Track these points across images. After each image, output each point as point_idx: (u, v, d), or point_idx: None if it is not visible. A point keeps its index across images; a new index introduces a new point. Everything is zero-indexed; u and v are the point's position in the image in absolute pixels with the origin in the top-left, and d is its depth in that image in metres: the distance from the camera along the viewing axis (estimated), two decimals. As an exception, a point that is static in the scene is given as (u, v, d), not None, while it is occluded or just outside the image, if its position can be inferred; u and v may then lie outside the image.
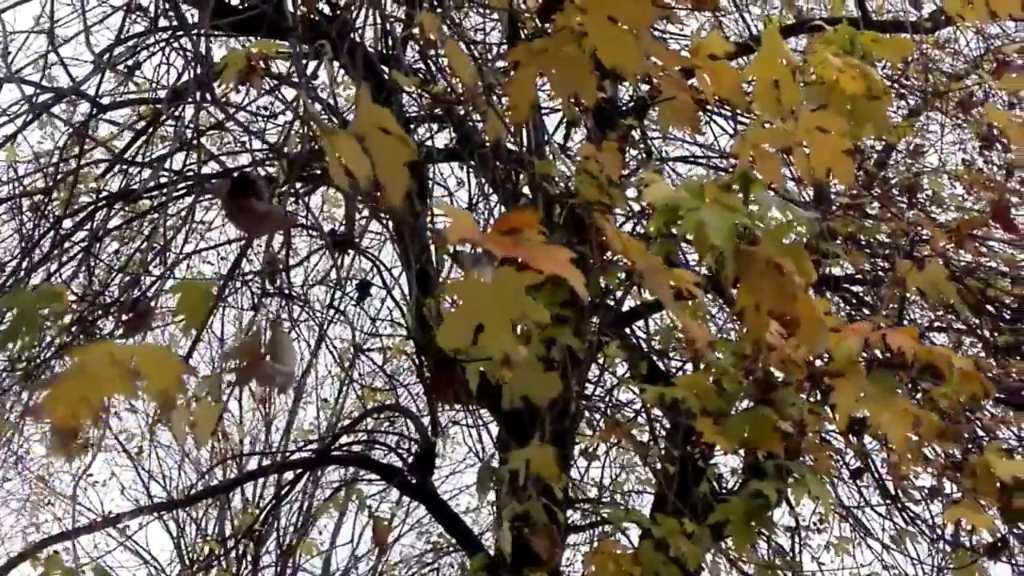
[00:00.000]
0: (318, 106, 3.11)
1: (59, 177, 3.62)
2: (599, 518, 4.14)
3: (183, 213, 4.05)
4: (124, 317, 1.75)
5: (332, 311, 3.43)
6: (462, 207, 3.56)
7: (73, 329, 3.88)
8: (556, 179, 2.71)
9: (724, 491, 3.55)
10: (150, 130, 3.72)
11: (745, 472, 3.62)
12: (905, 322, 3.54)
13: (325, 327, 3.51)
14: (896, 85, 4.11)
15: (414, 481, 4.39)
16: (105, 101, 3.54)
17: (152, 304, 1.73)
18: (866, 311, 3.83)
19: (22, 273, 3.63)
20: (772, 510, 2.04)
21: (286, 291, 3.49)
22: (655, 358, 3.59)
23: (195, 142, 2.55)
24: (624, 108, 3.81)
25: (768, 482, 1.96)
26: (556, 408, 3.05)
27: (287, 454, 5.19)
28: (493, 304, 1.14)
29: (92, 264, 3.86)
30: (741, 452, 3.95)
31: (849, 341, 1.70)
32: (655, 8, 1.32)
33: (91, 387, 1.05)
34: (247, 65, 1.73)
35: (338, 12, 2.86)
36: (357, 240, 3.09)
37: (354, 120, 1.21)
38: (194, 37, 2.40)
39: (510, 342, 1.15)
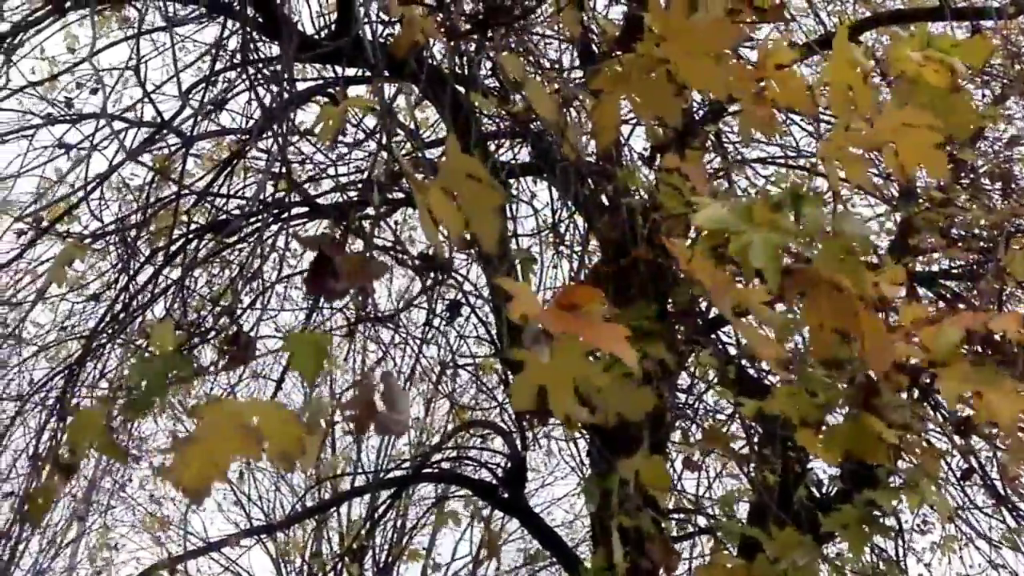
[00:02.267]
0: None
1: (150, 211, 3.73)
2: (695, 528, 4.07)
3: (270, 241, 4.14)
4: (226, 350, 1.78)
5: (426, 331, 3.46)
6: (545, 225, 3.56)
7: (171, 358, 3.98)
8: (638, 190, 2.69)
9: (823, 496, 3.47)
10: (235, 162, 3.82)
11: (844, 479, 3.53)
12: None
13: (419, 349, 3.53)
14: (981, 74, 3.97)
15: (506, 496, 4.40)
16: (191, 134, 3.63)
17: (252, 336, 1.76)
18: (963, 307, 3.70)
19: (119, 306, 3.75)
20: (886, 517, 1.98)
21: (378, 315, 3.54)
22: (743, 363, 3.53)
23: (282, 172, 2.60)
24: (701, 114, 3.76)
25: (882, 491, 1.91)
26: (650, 418, 3.01)
27: (381, 473, 5.24)
28: (555, 370, 1.19)
29: (185, 295, 3.97)
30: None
31: (949, 329, 1.63)
32: (736, 30, 1.32)
33: (217, 451, 1.09)
34: (342, 120, 1.76)
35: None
36: (445, 263, 3.11)
37: (442, 170, 1.24)
38: (278, 70, 2.45)
39: (572, 405, 1.21)
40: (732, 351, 3.55)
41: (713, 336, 3.61)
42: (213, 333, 4.23)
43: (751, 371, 3.58)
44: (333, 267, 1.31)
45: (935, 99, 1.62)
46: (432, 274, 3.18)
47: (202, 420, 1.11)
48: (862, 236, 1.39)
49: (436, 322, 3.93)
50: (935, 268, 3.72)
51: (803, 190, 1.35)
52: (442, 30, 2.50)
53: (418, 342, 3.35)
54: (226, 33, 3.41)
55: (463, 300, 3.45)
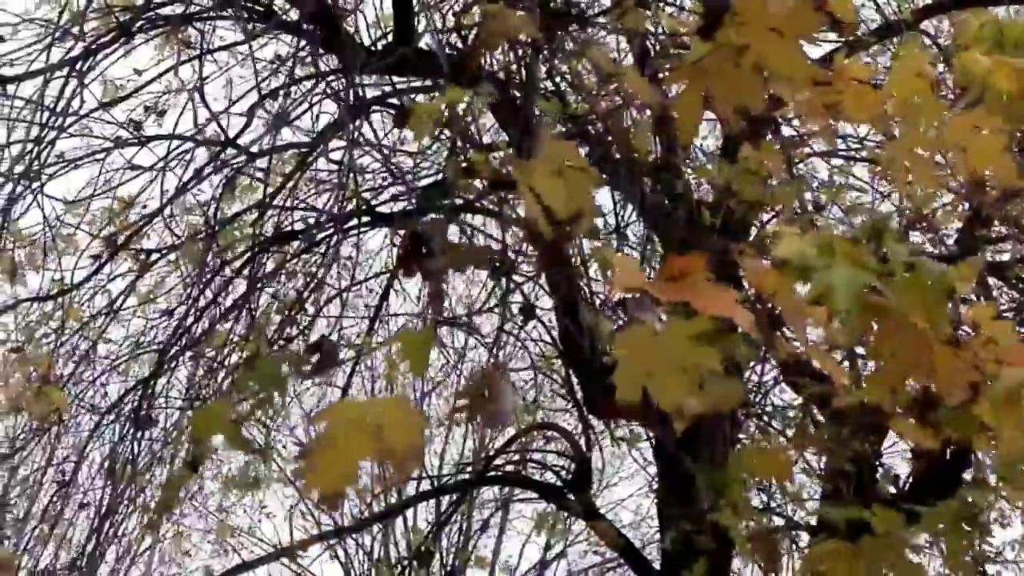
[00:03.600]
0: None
1: (216, 225, 3.81)
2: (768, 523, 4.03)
3: (331, 251, 4.19)
4: (312, 359, 1.82)
5: (499, 335, 3.48)
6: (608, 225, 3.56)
7: (239, 369, 4.07)
8: (702, 184, 2.68)
9: (900, 493, 3.42)
10: (298, 174, 3.88)
11: (915, 473, 3.48)
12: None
13: (495, 351, 3.55)
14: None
15: (572, 497, 4.40)
16: (255, 150, 3.70)
17: (336, 344, 1.80)
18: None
19: (191, 319, 3.83)
20: (984, 513, 1.95)
21: (453, 319, 3.56)
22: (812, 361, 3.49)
23: (350, 180, 2.64)
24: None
25: (977, 489, 1.88)
26: (722, 416, 3.01)
27: (446, 477, 5.28)
28: (662, 355, 1.14)
29: (253, 307, 4.04)
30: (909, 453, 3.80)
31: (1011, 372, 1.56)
32: (817, 18, 1.30)
33: (344, 457, 1.11)
34: (440, 115, 1.78)
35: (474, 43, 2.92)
36: (517, 266, 3.13)
37: (540, 156, 1.24)
38: (344, 81, 2.49)
39: (682, 393, 1.14)
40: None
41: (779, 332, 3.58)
42: (281, 344, 4.31)
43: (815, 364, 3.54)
44: (428, 248, 1.32)
45: (1005, 102, 1.61)
46: (503, 278, 3.20)
47: (327, 424, 1.13)
48: (941, 273, 1.36)
49: (508, 326, 3.96)
50: (1006, 258, 3.65)
51: (884, 223, 1.33)
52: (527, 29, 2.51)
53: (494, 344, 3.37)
54: (287, 49, 3.48)
55: (536, 304, 3.47)
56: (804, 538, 3.97)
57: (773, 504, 3.87)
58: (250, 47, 2.95)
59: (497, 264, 2.64)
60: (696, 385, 1.15)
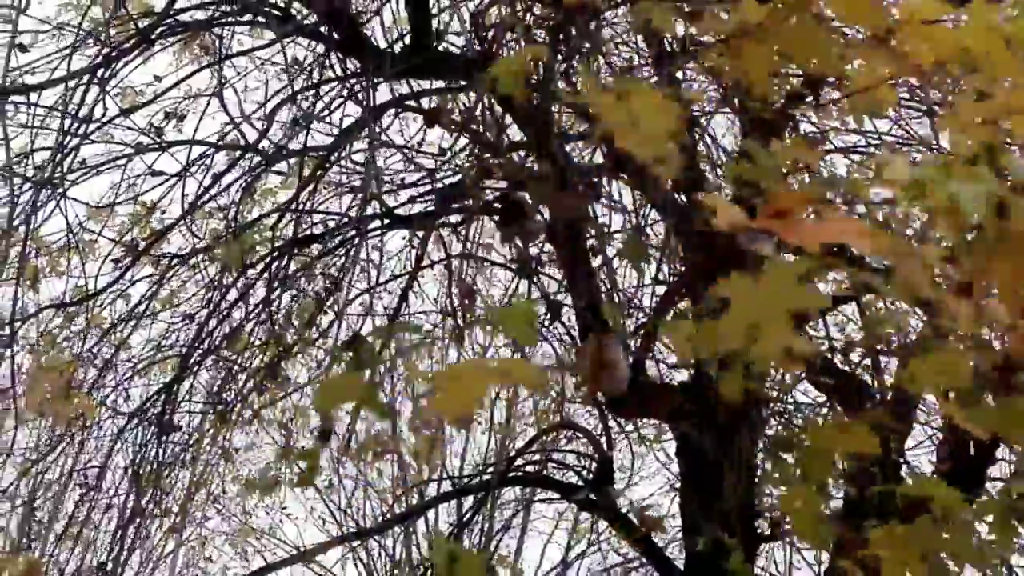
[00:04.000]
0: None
1: (235, 231, 3.83)
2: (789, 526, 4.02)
3: (351, 253, 4.21)
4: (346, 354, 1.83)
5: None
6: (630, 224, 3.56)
7: (260, 372, 4.09)
8: (733, 179, 2.66)
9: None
10: (318, 177, 3.89)
11: (940, 472, 3.45)
12: None
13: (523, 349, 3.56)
14: None
15: (594, 497, 4.40)
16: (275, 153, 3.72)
17: (371, 342, 1.80)
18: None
19: (212, 323, 3.86)
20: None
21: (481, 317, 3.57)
22: (836, 354, 3.48)
23: (371, 185, 2.65)
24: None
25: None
26: (744, 412, 3.01)
27: (468, 478, 5.29)
28: (768, 298, 1.08)
29: (273, 310, 4.06)
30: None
31: None
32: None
33: (472, 383, 1.11)
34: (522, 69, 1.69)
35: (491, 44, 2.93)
36: (540, 265, 3.14)
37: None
38: (363, 84, 2.50)
39: (791, 336, 1.09)
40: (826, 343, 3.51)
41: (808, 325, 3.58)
42: (299, 348, 4.33)
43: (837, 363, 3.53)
44: (524, 210, 1.31)
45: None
46: (528, 276, 3.21)
47: (452, 366, 1.13)
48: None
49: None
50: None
51: (997, 141, 1.24)
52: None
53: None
54: (305, 53, 3.50)
55: (562, 302, 3.47)
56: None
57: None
58: (284, 50, 2.96)
59: (523, 264, 2.66)
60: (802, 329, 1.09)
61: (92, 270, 3.90)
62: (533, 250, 3.31)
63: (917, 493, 1.93)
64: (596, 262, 3.32)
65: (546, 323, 3.68)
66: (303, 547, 6.84)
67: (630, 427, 4.52)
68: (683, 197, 3.60)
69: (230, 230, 3.81)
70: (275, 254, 3.78)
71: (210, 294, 4.02)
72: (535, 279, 3.39)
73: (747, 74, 1.40)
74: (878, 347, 3.36)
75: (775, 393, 3.75)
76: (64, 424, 4.10)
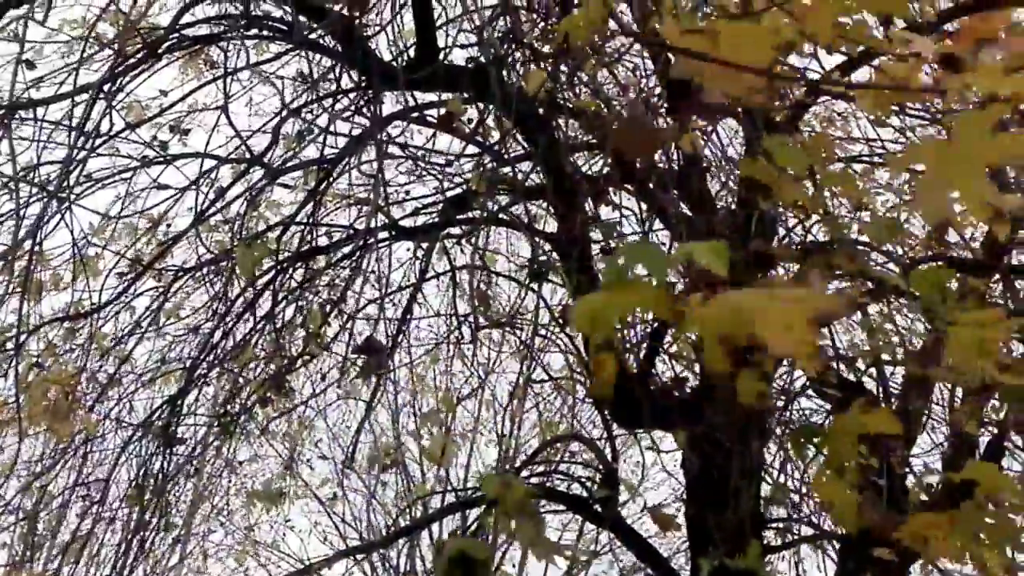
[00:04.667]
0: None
1: (242, 242, 3.83)
2: (796, 536, 4.01)
3: (354, 265, 4.22)
4: (361, 358, 1.83)
5: (533, 337, 3.49)
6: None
7: (266, 384, 4.09)
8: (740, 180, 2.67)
9: (933, 499, 3.40)
10: (323, 189, 3.90)
11: (946, 480, 3.45)
12: None
13: (533, 355, 3.57)
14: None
15: (599, 509, 4.39)
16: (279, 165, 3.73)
17: (385, 344, 1.81)
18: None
19: (217, 336, 3.86)
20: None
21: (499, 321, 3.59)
22: (842, 365, 3.48)
23: (377, 193, 2.66)
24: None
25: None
26: (748, 423, 3.01)
27: (472, 491, 5.26)
28: (963, 154, 1.01)
29: (277, 322, 4.06)
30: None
31: None
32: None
33: (617, 299, 1.09)
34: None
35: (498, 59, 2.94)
36: (546, 274, 3.15)
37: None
38: (368, 96, 2.51)
39: (991, 191, 1.02)
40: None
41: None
42: (303, 360, 4.33)
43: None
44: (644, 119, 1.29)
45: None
46: (538, 284, 3.22)
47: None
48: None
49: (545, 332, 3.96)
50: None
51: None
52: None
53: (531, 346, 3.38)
54: (310, 67, 3.50)
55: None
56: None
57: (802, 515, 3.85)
58: (307, 61, 2.96)
59: (535, 268, 2.66)
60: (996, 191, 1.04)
61: (96, 284, 3.91)
62: (541, 259, 3.32)
63: (967, 476, 1.91)
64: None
65: (553, 331, 3.68)
66: (307, 560, 6.82)
67: (637, 436, 4.51)
68: (688, 207, 3.61)
69: (236, 243, 3.82)
70: (281, 266, 3.79)
71: (215, 306, 4.02)
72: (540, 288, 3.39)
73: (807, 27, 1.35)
74: (884, 356, 3.37)
75: (781, 402, 3.76)
76: (67, 438, 4.10)
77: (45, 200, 3.21)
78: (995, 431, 3.23)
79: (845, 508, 1.90)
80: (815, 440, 2.13)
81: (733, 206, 3.46)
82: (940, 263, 2.98)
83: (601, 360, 1.76)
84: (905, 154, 1.11)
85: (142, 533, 3.76)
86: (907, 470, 3.34)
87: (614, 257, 1.14)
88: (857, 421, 1.85)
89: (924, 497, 3.35)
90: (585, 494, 4.58)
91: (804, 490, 3.72)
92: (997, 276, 2.96)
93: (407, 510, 6.26)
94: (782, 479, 3.84)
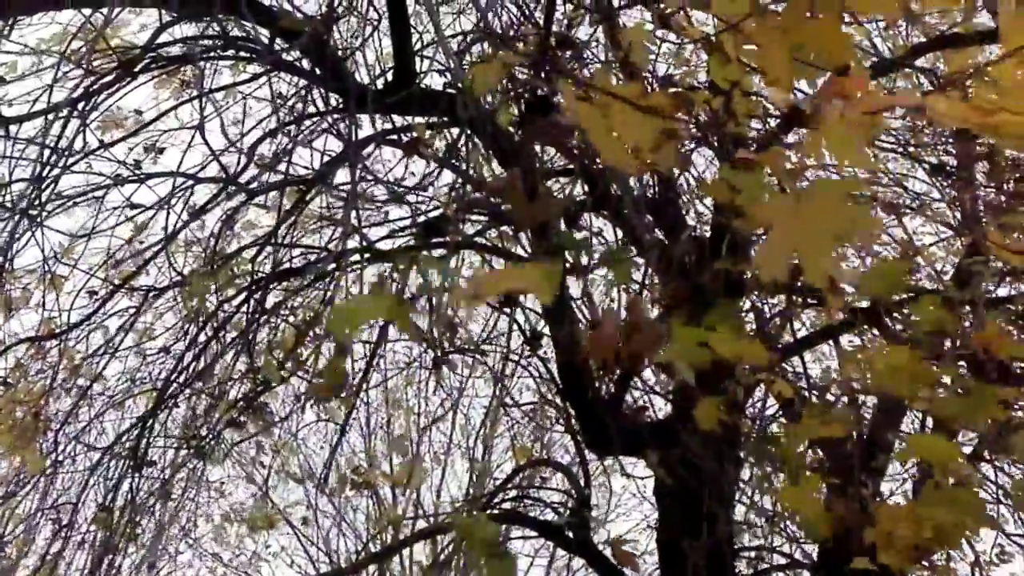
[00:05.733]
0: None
1: (214, 264, 3.82)
2: (769, 565, 4.02)
3: (332, 286, 4.20)
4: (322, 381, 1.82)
5: (504, 364, 3.49)
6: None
7: (239, 406, 4.06)
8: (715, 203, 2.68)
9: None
10: (296, 211, 3.90)
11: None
12: None
13: (503, 381, 3.57)
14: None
15: (571, 535, 4.38)
16: (254, 187, 3.72)
17: (349, 369, 1.80)
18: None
19: (190, 357, 3.83)
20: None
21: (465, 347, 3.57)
22: (813, 393, 3.50)
23: (351, 216, 2.66)
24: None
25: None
26: (722, 444, 3.02)
27: (443, 516, 5.24)
28: (810, 228, 1.02)
29: (251, 343, 4.03)
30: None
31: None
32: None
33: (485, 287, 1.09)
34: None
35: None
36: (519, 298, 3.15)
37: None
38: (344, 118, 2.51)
39: (832, 265, 1.04)
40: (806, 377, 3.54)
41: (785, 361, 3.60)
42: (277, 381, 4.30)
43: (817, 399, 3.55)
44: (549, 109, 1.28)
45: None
46: (509, 309, 3.21)
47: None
48: None
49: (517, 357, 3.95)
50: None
51: None
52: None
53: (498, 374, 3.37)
54: (287, 87, 3.51)
55: (543, 332, 3.47)
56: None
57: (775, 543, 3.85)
58: (270, 84, 2.95)
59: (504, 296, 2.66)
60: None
61: (66, 301, 3.87)
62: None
63: (917, 454, 1.91)
64: (577, 289, 3.33)
65: (525, 356, 3.68)
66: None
67: (609, 461, 4.51)
68: (662, 233, 3.63)
69: (209, 263, 3.80)
70: (254, 287, 3.77)
71: (187, 327, 3.99)
72: (514, 311, 3.40)
73: (765, 67, 1.36)
74: (854, 384, 3.39)
75: (751, 428, 3.77)
76: (34, 467, 4.04)
77: (16, 219, 3.18)
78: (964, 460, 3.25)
79: (813, 513, 1.91)
80: (771, 448, 2.15)
81: (706, 231, 3.48)
82: (911, 295, 3.01)
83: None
84: (762, 209, 1.12)
85: (110, 556, 3.71)
86: (875, 492, 3.36)
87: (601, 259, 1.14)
88: (809, 426, 1.87)
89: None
90: (557, 520, 4.57)
91: (776, 518, 3.73)
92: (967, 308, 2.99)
93: (378, 535, 6.24)
94: (755, 504, 3.85)
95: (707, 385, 2.29)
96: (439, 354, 3.46)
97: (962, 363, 2.17)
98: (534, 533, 5.25)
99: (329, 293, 3.93)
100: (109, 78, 3.24)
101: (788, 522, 3.78)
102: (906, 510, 1.80)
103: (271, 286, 3.90)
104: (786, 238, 1.04)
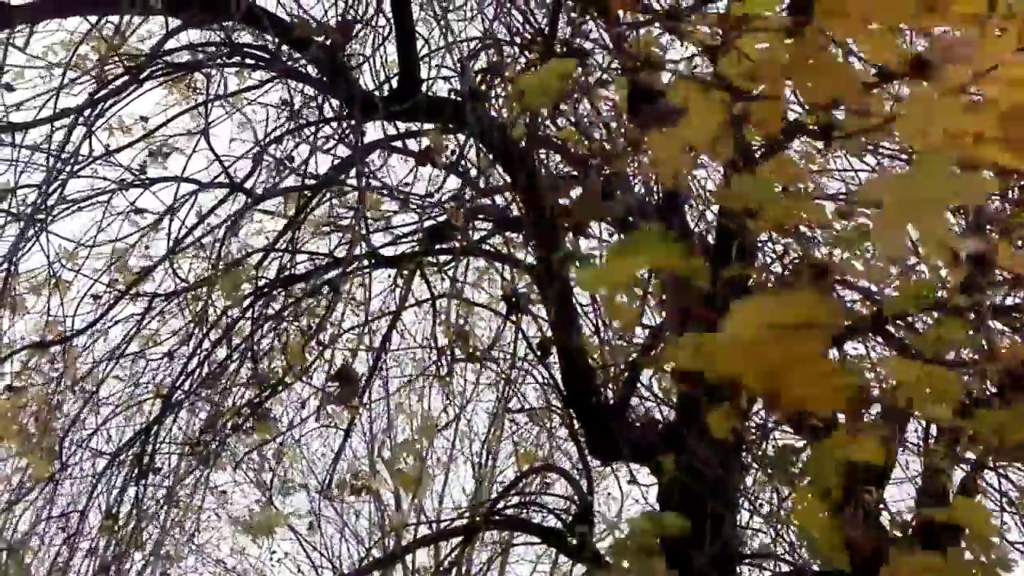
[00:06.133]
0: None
1: (219, 269, 3.82)
2: (773, 572, 4.01)
3: (333, 291, 4.20)
4: (334, 387, 1.83)
5: (511, 370, 3.50)
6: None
7: (243, 412, 4.06)
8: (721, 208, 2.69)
9: (907, 535, 3.41)
10: (302, 216, 3.90)
11: (920, 518, 3.47)
12: None
13: (512, 385, 3.57)
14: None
15: (574, 541, 4.37)
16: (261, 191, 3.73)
17: (358, 372, 1.81)
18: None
19: (194, 363, 3.83)
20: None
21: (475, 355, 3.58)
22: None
23: (358, 222, 2.67)
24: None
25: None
26: (727, 450, 3.02)
27: (446, 522, 5.24)
28: (922, 192, 1.00)
29: (256, 349, 4.03)
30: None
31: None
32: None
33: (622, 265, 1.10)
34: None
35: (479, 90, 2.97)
36: (525, 305, 3.16)
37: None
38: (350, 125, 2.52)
39: (948, 234, 1.01)
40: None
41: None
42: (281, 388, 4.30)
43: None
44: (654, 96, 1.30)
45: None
46: (516, 315, 3.22)
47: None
48: None
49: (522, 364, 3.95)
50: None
51: None
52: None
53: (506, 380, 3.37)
54: (293, 94, 3.52)
55: (552, 338, 3.47)
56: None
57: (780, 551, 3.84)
58: (289, 89, 2.96)
59: (513, 299, 2.66)
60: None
61: (70, 308, 3.88)
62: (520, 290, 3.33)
63: (955, 518, 1.89)
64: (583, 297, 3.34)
65: (531, 363, 3.68)
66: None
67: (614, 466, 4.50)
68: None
69: (214, 269, 3.81)
70: (260, 292, 3.78)
71: (193, 333, 4.00)
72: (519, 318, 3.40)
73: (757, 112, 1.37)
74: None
75: (756, 437, 3.76)
76: (43, 474, 4.04)
77: (22, 224, 3.19)
78: (968, 469, 3.25)
79: (824, 532, 1.88)
80: (797, 464, 2.12)
81: (711, 236, 3.49)
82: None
83: (618, 307, 1.74)
84: (866, 187, 1.11)
85: (117, 564, 3.71)
86: (882, 506, 3.35)
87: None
88: (841, 447, 1.84)
89: (898, 533, 3.36)
90: (560, 526, 4.57)
91: (780, 525, 3.72)
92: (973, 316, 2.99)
93: (381, 541, 6.23)
94: (760, 512, 3.84)
95: (714, 390, 2.29)
96: (450, 360, 3.46)
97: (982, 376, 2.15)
98: (537, 539, 5.26)
99: (335, 299, 3.93)
100: (117, 84, 3.25)
101: (791, 531, 3.77)
102: (935, 564, 1.78)
103: (275, 292, 3.90)
104: (900, 214, 1.02)
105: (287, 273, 3.96)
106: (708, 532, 3.05)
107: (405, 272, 4.04)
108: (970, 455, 3.25)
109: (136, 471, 3.64)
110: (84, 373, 4.04)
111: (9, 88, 3.31)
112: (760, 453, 3.83)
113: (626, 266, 1.15)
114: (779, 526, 3.75)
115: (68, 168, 3.24)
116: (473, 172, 3.00)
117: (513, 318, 3.40)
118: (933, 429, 3.52)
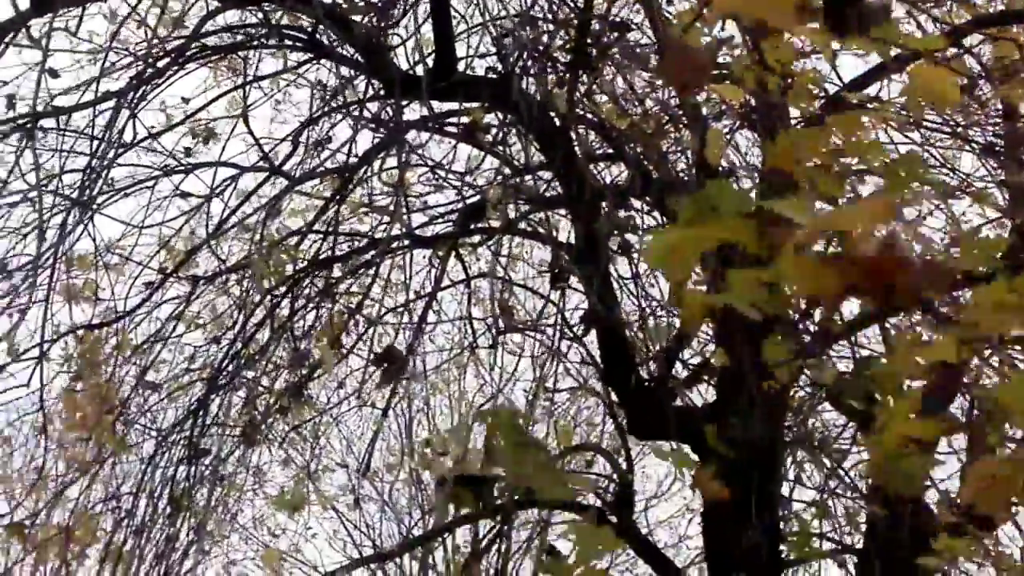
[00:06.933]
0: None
1: (260, 250, 3.85)
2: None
3: (371, 272, 4.22)
4: (380, 366, 1.85)
5: (558, 342, 3.49)
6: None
7: (284, 393, 4.10)
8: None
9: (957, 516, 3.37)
10: (338, 198, 3.92)
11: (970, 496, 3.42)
12: None
13: (549, 365, 3.57)
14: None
15: (615, 520, 4.37)
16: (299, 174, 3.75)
17: (404, 353, 1.82)
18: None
19: (239, 344, 3.87)
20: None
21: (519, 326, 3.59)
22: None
23: (398, 204, 2.68)
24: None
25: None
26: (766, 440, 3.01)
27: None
28: None
29: (294, 330, 4.07)
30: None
31: None
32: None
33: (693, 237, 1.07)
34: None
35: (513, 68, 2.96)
36: (566, 280, 3.16)
37: None
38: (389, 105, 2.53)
39: None
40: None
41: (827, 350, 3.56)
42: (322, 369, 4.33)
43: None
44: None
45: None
46: (562, 287, 3.22)
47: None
48: None
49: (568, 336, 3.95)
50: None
51: None
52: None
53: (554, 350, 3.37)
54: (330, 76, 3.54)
55: (571, 268, 3.46)
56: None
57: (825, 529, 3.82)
58: (328, 70, 2.96)
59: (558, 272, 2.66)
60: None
61: (120, 290, 3.94)
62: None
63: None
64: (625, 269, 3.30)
65: (578, 335, 3.65)
66: (322, 569, 6.83)
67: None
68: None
69: (255, 251, 3.84)
70: (300, 274, 3.81)
71: (235, 315, 4.04)
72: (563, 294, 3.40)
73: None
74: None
75: (798, 417, 3.73)
76: (99, 448, 4.11)
77: (68, 209, 3.24)
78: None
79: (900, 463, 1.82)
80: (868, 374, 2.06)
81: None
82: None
83: (686, 296, 1.72)
84: None
85: (173, 543, 3.76)
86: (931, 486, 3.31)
87: (696, 194, 1.04)
88: (916, 343, 1.78)
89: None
90: (600, 505, 4.58)
91: (823, 502, 3.70)
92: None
93: (421, 519, 6.29)
94: (799, 493, 3.81)
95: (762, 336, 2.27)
96: (495, 334, 3.46)
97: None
98: (577, 518, 5.26)
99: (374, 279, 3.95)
100: (160, 65, 3.28)
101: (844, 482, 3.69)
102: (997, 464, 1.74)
103: (316, 273, 3.93)
104: None
105: (326, 254, 3.99)
106: (752, 508, 3.05)
107: (440, 253, 4.05)
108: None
109: (187, 454, 3.69)
110: (134, 353, 4.10)
111: (53, 74, 3.35)
112: (802, 434, 3.81)
113: (701, 237, 1.03)
114: (820, 505, 3.72)
115: (112, 152, 3.28)
116: (515, 149, 3.00)
117: (554, 296, 3.40)
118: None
